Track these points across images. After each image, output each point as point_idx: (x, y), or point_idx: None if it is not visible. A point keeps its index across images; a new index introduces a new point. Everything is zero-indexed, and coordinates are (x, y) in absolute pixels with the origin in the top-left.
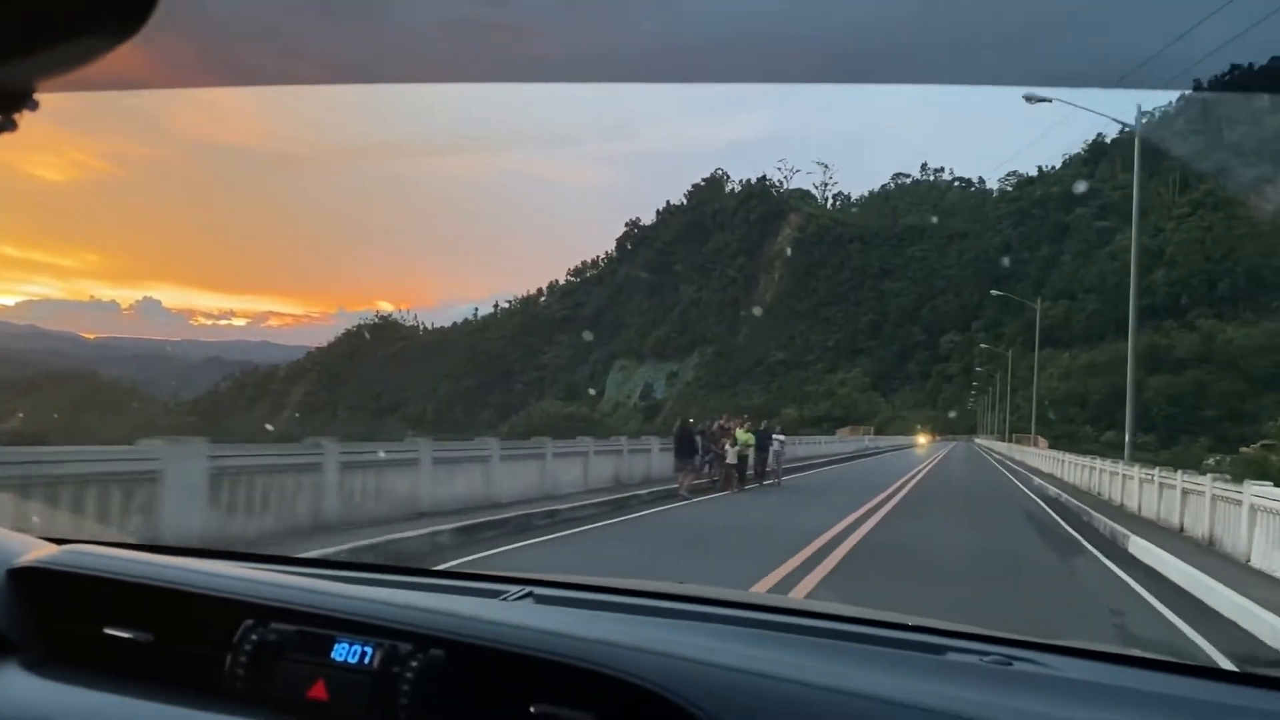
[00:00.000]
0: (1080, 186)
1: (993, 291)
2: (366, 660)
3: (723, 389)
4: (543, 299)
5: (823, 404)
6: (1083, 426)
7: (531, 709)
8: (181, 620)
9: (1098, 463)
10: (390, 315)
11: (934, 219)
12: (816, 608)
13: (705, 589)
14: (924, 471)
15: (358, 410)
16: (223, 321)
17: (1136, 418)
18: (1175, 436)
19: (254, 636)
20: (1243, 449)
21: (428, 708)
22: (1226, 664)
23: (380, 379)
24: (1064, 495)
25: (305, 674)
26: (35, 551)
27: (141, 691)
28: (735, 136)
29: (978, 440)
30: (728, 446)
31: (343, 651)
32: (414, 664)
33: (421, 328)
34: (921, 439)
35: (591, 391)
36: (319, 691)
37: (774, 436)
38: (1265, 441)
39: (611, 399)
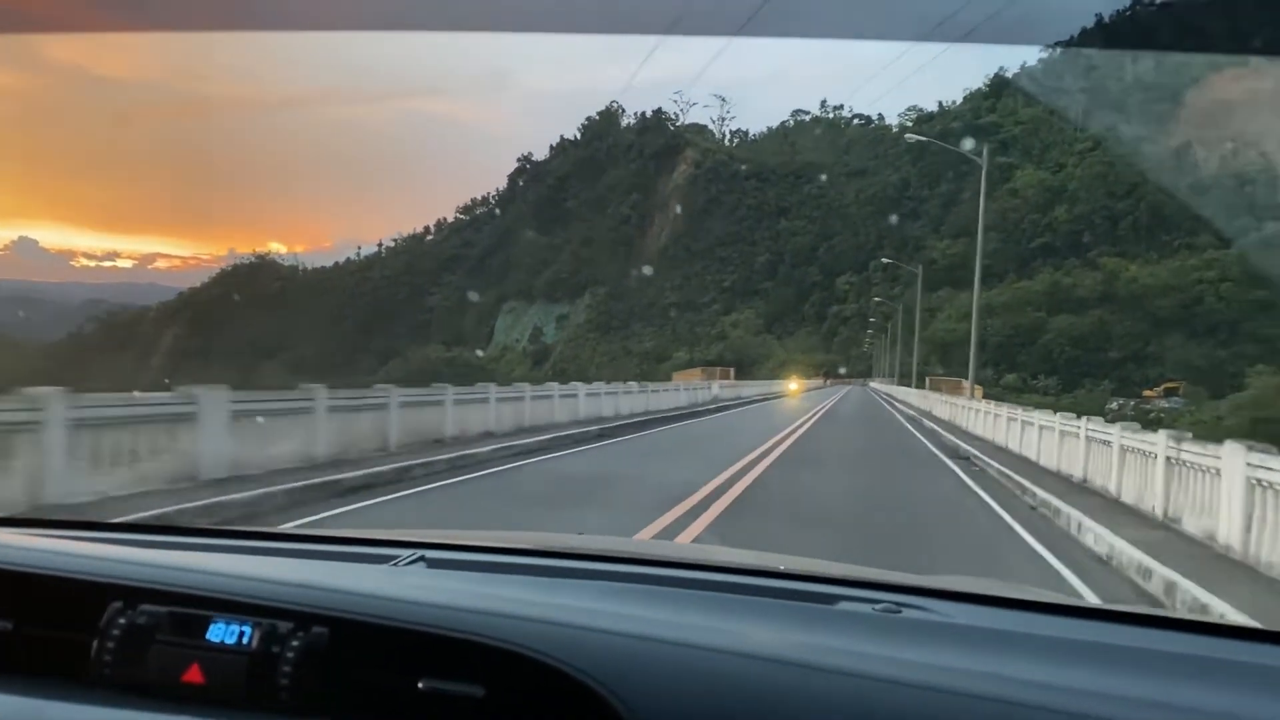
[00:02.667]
0: (966, 144)
1: (891, 218)
2: (244, 640)
3: (614, 331)
4: (430, 237)
5: (715, 347)
6: (983, 369)
7: (419, 684)
8: (42, 605)
9: None
10: (268, 255)
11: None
12: (710, 558)
13: (600, 541)
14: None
15: (232, 355)
16: (106, 263)
17: None
18: (1078, 380)
19: (122, 620)
20: (1145, 392)
21: (310, 687)
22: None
23: (256, 322)
24: None
25: (179, 657)
26: None
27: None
28: (636, 80)
29: (874, 384)
30: None
31: (219, 632)
32: (294, 643)
33: (301, 268)
34: (793, 385)
35: (520, 348)
36: (194, 675)
37: None
38: (1170, 384)
39: (499, 343)
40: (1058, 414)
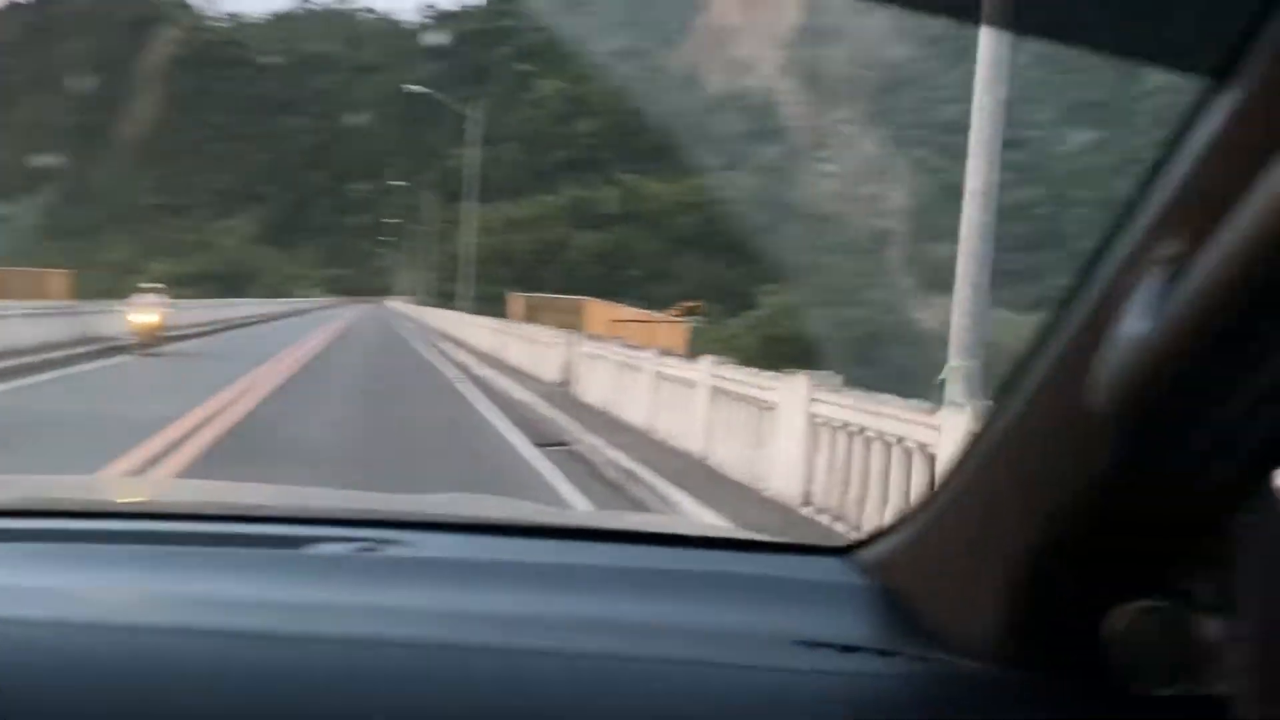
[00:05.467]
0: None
1: (406, 87)
2: None
3: (79, 237)
4: None
5: (199, 258)
6: (509, 286)
7: None
8: None
9: None
10: None
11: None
12: (164, 504)
13: (56, 491)
14: None
15: None
16: None
17: None
18: (603, 297)
19: None
20: (668, 310)
21: None
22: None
23: None
24: None
25: None
26: None
27: None
28: None
29: (393, 304)
30: None
31: None
32: None
33: None
34: (145, 315)
35: None
36: None
37: None
38: (689, 304)
39: None
40: None
